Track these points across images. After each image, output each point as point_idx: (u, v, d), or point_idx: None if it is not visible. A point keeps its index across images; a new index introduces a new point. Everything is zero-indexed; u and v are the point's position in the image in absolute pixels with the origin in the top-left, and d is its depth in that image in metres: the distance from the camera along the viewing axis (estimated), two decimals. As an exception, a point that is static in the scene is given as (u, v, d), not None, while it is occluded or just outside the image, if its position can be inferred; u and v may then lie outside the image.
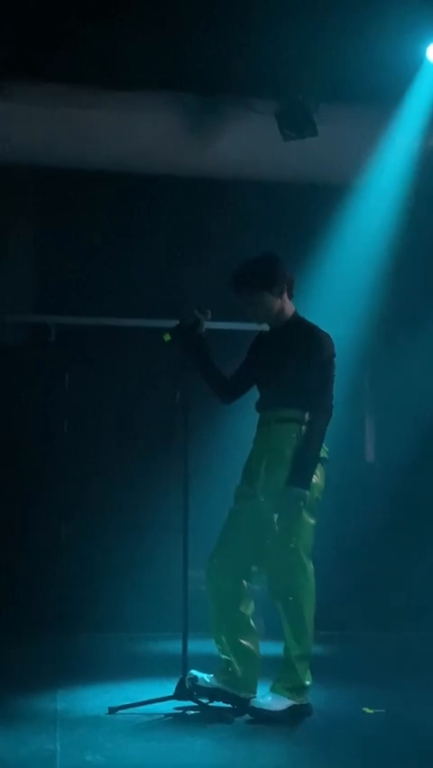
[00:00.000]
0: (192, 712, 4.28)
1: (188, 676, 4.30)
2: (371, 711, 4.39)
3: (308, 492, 4.26)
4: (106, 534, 6.50)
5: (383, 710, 4.40)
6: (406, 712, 4.46)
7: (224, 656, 4.39)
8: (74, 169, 6.75)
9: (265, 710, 4.22)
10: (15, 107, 6.06)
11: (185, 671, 4.32)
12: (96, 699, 4.50)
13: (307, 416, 4.33)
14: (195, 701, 4.29)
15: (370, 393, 7.20)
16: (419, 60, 5.84)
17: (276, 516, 4.32)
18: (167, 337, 4.46)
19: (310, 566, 4.35)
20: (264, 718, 4.19)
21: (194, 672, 4.34)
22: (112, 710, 4.26)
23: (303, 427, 4.33)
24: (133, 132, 6.45)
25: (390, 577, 6.67)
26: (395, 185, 6.48)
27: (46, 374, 6.76)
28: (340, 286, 6.59)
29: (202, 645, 4.44)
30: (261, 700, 4.28)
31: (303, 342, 4.41)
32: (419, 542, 6.76)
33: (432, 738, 4.06)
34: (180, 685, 4.29)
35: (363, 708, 4.42)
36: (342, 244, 6.65)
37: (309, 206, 6.77)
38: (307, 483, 4.27)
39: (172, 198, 6.94)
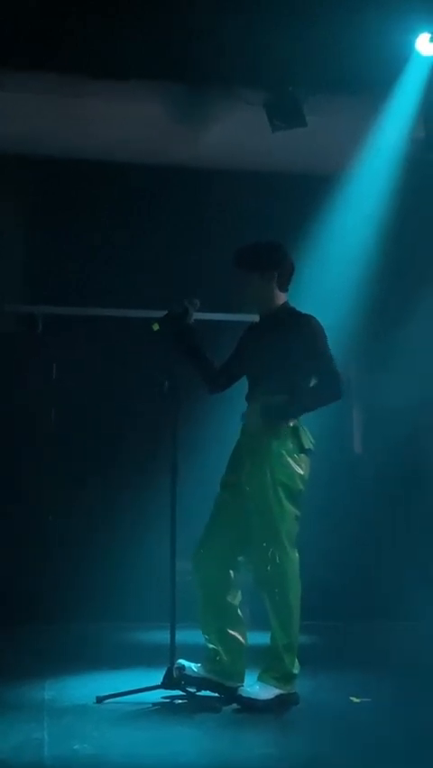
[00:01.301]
0: (180, 701, 4.29)
1: (175, 665, 4.31)
2: (357, 700, 4.41)
3: (261, 420, 4.28)
4: (94, 524, 6.49)
5: (370, 699, 4.42)
6: (392, 701, 4.48)
7: (211, 646, 4.40)
8: (64, 159, 6.74)
9: (252, 699, 4.24)
10: (5, 96, 6.04)
11: (172, 660, 4.32)
12: (83, 688, 4.50)
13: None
14: (182, 690, 4.30)
15: (358, 384, 7.20)
16: (409, 51, 5.83)
17: (259, 507, 4.32)
18: (155, 326, 4.46)
19: (295, 555, 4.36)
20: (251, 707, 4.20)
21: (181, 661, 4.35)
22: (100, 699, 4.26)
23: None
24: (123, 121, 6.43)
25: (377, 567, 6.69)
26: (384, 175, 6.48)
27: (34, 365, 6.74)
28: (328, 276, 6.59)
29: (190, 635, 4.44)
30: (248, 689, 4.29)
31: (295, 330, 4.42)
32: (406, 532, 6.78)
33: (418, 727, 4.08)
34: (168, 674, 4.30)
35: (350, 697, 4.43)
36: (331, 235, 6.65)
37: (299, 197, 6.77)
38: (271, 416, 4.29)
39: (162, 188, 6.93)
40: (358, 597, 6.56)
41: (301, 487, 4.38)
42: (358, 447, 7.23)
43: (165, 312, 4.55)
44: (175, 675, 4.29)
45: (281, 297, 4.53)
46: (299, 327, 4.41)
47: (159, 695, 4.30)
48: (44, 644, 5.57)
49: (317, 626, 6.10)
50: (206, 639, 4.43)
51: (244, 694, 4.27)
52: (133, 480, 6.46)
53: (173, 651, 4.33)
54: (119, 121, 6.43)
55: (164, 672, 4.31)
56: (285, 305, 4.54)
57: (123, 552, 6.35)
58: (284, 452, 4.35)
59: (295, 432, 4.38)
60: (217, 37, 5.71)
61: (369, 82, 5.87)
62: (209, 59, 5.87)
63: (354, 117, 6.23)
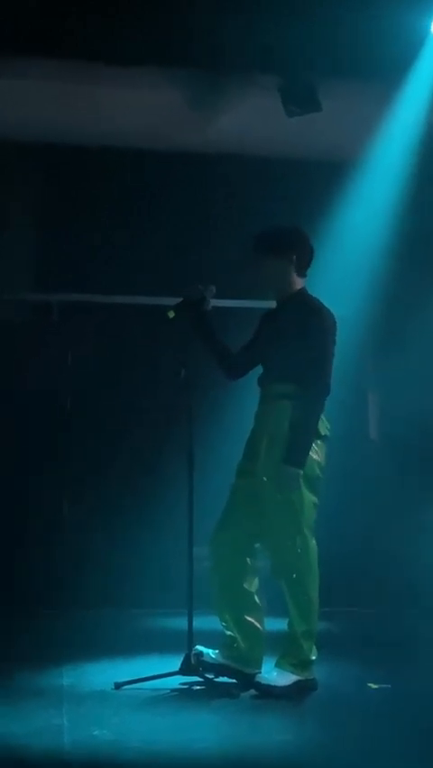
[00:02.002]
0: (198, 687, 4.30)
1: (193, 651, 4.32)
2: (376, 686, 4.41)
3: (301, 471, 4.26)
4: (111, 511, 6.51)
5: (389, 686, 4.42)
6: (411, 687, 4.48)
7: (228, 632, 4.41)
8: (76, 146, 6.74)
9: (270, 686, 4.25)
10: (16, 83, 6.03)
11: (190, 646, 4.33)
12: (102, 674, 4.52)
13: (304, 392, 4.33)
14: (200, 677, 4.31)
15: (373, 370, 7.19)
16: (424, 35, 5.78)
17: (276, 495, 4.32)
18: (171, 314, 4.45)
19: (313, 543, 4.36)
20: (269, 694, 4.22)
21: (199, 647, 4.36)
22: (118, 685, 4.28)
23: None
24: (135, 108, 6.42)
25: (393, 553, 6.68)
26: (400, 161, 6.44)
27: (49, 352, 6.75)
28: (344, 263, 6.56)
29: (207, 621, 4.45)
30: (266, 676, 4.30)
31: (303, 317, 4.40)
32: (422, 518, 6.77)
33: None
34: (186, 660, 4.31)
35: (369, 684, 4.44)
36: (346, 221, 6.62)
37: (313, 183, 6.75)
38: (300, 462, 4.26)
39: (175, 175, 6.92)
40: (376, 582, 6.56)
41: (319, 473, 4.38)
42: (373, 433, 7.22)
43: (180, 299, 4.54)
44: (193, 661, 4.30)
45: (299, 282, 4.51)
46: (310, 319, 4.39)
47: (177, 681, 4.32)
48: (62, 630, 5.60)
49: (334, 612, 6.11)
50: (223, 626, 4.44)
51: (262, 681, 4.28)
52: (149, 467, 6.47)
53: (191, 637, 4.33)
54: (132, 107, 6.41)
55: (182, 659, 4.32)
56: (302, 291, 4.52)
57: (140, 538, 6.37)
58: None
59: None
60: (231, 21, 5.68)
61: (384, 66, 5.83)
62: (222, 44, 5.84)
63: (368, 102, 6.19)
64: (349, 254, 6.60)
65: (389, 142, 6.38)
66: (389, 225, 6.66)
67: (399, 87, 6.06)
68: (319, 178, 6.74)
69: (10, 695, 4.17)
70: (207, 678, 4.32)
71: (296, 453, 4.27)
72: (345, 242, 6.60)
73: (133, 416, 6.75)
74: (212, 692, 4.24)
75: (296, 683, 4.27)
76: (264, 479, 4.36)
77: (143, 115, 6.49)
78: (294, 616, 4.31)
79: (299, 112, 6.11)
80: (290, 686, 4.25)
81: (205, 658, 4.36)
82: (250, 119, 6.45)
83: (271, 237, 4.48)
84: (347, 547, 6.49)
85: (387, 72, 5.93)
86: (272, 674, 4.30)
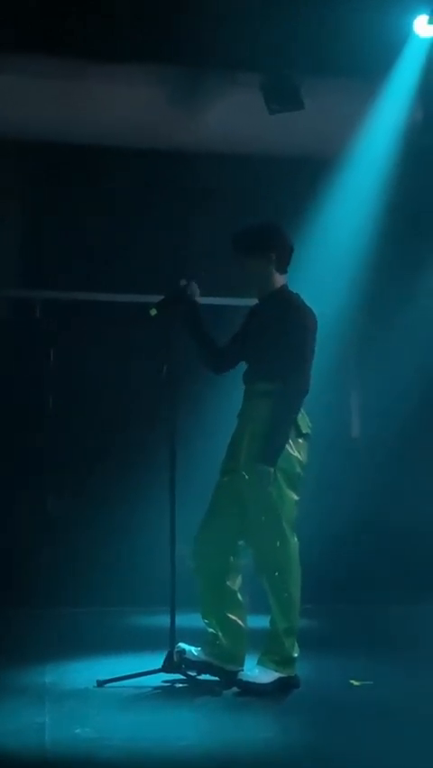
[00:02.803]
0: (180, 685, 4.30)
1: (176, 649, 4.32)
2: (358, 683, 4.42)
3: (272, 469, 4.24)
4: (93, 508, 6.50)
5: (370, 682, 4.43)
6: (393, 684, 4.49)
7: (211, 630, 4.41)
8: (59, 143, 6.71)
9: (252, 683, 4.24)
10: (2, 79, 6.01)
11: (173, 644, 4.33)
12: (84, 672, 4.50)
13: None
14: (183, 674, 4.31)
15: (355, 368, 7.20)
16: (406, 33, 5.81)
17: (255, 492, 4.31)
18: (153, 311, 4.44)
19: (294, 540, 4.35)
20: (251, 691, 4.21)
21: (182, 644, 4.36)
22: (100, 683, 4.27)
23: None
24: (118, 104, 6.41)
25: (376, 550, 6.70)
26: (382, 158, 6.46)
27: (31, 350, 6.73)
28: (326, 261, 6.57)
29: (190, 619, 4.45)
30: (248, 673, 4.30)
31: (283, 314, 4.40)
32: (404, 516, 6.79)
33: (419, 710, 4.09)
34: (168, 658, 4.30)
35: (351, 681, 4.45)
36: (328, 218, 6.63)
37: (296, 180, 6.75)
38: (272, 460, 4.25)
39: (158, 172, 6.90)
40: (358, 579, 6.58)
41: (299, 471, 4.38)
42: (356, 431, 7.24)
43: (162, 296, 4.54)
44: (175, 659, 4.29)
45: (280, 280, 4.50)
46: (289, 316, 4.38)
47: (159, 679, 4.31)
48: (44, 628, 5.57)
49: (316, 610, 6.11)
50: (206, 623, 4.43)
51: (243, 678, 4.28)
52: (132, 466, 6.46)
53: (173, 635, 4.33)
54: (116, 104, 6.40)
55: (164, 656, 4.32)
56: (283, 288, 4.51)
57: (123, 536, 6.36)
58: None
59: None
60: (214, 20, 5.68)
61: (367, 64, 5.86)
62: (206, 42, 5.84)
63: (351, 100, 6.21)
64: (332, 252, 6.61)
65: (372, 140, 6.40)
66: (372, 223, 6.67)
67: (381, 85, 6.08)
68: (303, 176, 6.74)
69: (-9, 693, 4.16)
70: (190, 675, 4.32)
71: (268, 451, 4.26)
72: (329, 239, 6.61)
73: (115, 413, 6.74)
74: (194, 690, 4.24)
75: (278, 680, 4.27)
76: (246, 475, 4.36)
77: (127, 113, 6.48)
78: (276, 613, 4.32)
79: (281, 109, 6.12)
80: (272, 683, 4.25)
81: (187, 656, 4.36)
82: (233, 117, 6.45)
83: (249, 236, 4.46)
84: (331, 543, 6.50)
85: (370, 70, 5.96)
86: (254, 671, 4.30)
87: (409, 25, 5.78)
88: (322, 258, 6.56)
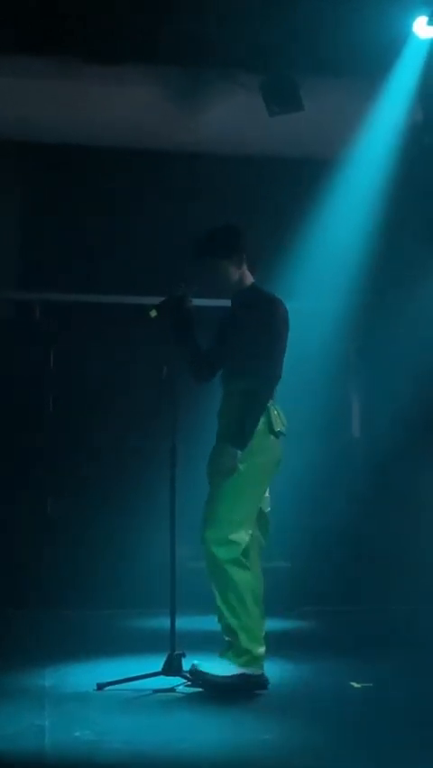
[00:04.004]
0: (180, 688, 4.29)
1: (176, 652, 4.28)
2: (358, 685, 4.41)
3: (239, 452, 4.19)
4: (94, 510, 6.50)
5: (371, 684, 4.42)
6: (393, 686, 4.48)
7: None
8: (61, 144, 6.72)
9: (207, 674, 4.17)
10: (2, 81, 6.01)
11: (173, 647, 4.32)
12: (84, 675, 4.50)
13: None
14: (183, 677, 4.29)
15: (356, 368, 7.20)
16: (406, 34, 5.80)
17: (213, 490, 4.27)
18: (153, 313, 4.44)
19: (243, 536, 4.24)
20: (206, 681, 4.15)
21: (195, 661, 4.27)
22: (100, 686, 4.26)
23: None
24: (117, 105, 6.41)
25: (375, 551, 6.70)
26: (382, 158, 6.46)
27: (31, 351, 6.73)
28: (327, 260, 6.58)
29: (190, 622, 4.44)
30: (206, 664, 4.23)
31: (253, 310, 4.39)
32: (404, 516, 6.79)
33: (419, 712, 4.08)
34: (168, 661, 4.29)
35: (351, 683, 4.44)
36: (329, 218, 6.63)
37: (296, 180, 6.75)
38: (239, 443, 4.20)
39: (157, 173, 6.91)
40: (358, 580, 6.57)
41: (263, 470, 4.30)
42: (356, 430, 7.23)
43: (162, 298, 4.53)
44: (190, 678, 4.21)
45: (249, 278, 4.49)
46: (260, 308, 4.37)
47: (159, 682, 4.30)
48: (44, 630, 5.57)
49: (316, 612, 6.12)
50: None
51: (200, 668, 4.21)
52: (132, 467, 6.46)
53: (173, 638, 4.32)
54: (116, 105, 6.40)
55: (164, 659, 4.31)
56: (253, 285, 4.49)
57: (123, 538, 6.36)
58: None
59: (266, 413, 4.30)
60: (214, 21, 5.68)
61: (367, 65, 5.86)
62: (206, 43, 5.84)
63: (351, 100, 6.21)
64: (332, 252, 6.61)
65: (371, 140, 6.39)
66: (372, 223, 6.67)
67: (381, 86, 6.07)
68: (302, 176, 6.74)
69: (-9, 696, 4.16)
70: (191, 678, 4.29)
71: (236, 434, 4.22)
72: (329, 239, 6.61)
73: (115, 414, 6.74)
74: (194, 692, 4.22)
75: (240, 676, 4.18)
76: (209, 471, 4.31)
77: (126, 113, 6.48)
78: (223, 608, 4.21)
79: (281, 111, 6.11)
80: (231, 677, 4.16)
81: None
82: (233, 117, 6.45)
83: (218, 242, 4.44)
84: (330, 544, 6.50)
85: (370, 71, 5.96)
86: (213, 663, 4.22)
87: (409, 26, 5.78)
88: (323, 258, 6.56)
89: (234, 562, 4.23)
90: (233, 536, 4.23)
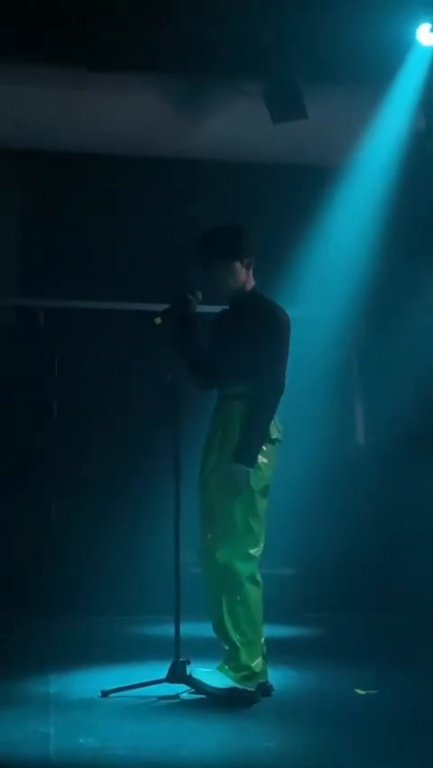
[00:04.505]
0: (184, 695, 4.28)
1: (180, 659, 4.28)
2: (363, 692, 4.41)
3: (251, 469, 4.17)
4: (98, 516, 6.50)
5: (376, 691, 4.42)
6: (399, 693, 4.48)
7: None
8: (64, 152, 6.73)
9: (201, 682, 4.16)
10: (1, 88, 6.02)
11: (177, 654, 4.32)
12: (88, 682, 4.50)
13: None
14: (187, 684, 4.28)
15: (360, 375, 7.20)
16: (410, 41, 5.81)
17: (221, 495, 4.25)
18: (158, 320, 4.44)
19: (253, 551, 4.24)
20: (198, 689, 4.15)
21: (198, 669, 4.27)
22: (105, 693, 4.26)
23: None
24: (119, 113, 6.42)
25: (380, 558, 6.69)
26: (384, 166, 6.46)
27: (35, 358, 6.74)
28: (329, 267, 6.58)
29: (194, 628, 4.44)
30: (201, 670, 4.22)
31: (256, 316, 4.34)
32: (408, 523, 6.78)
33: (425, 719, 4.08)
34: (173, 668, 4.29)
35: (356, 690, 4.43)
36: (331, 226, 6.64)
37: (299, 188, 6.76)
38: (250, 460, 4.18)
39: (160, 180, 6.92)
40: (363, 587, 6.56)
41: (269, 478, 4.29)
42: (360, 437, 7.23)
43: (167, 305, 4.53)
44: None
45: (251, 282, 4.44)
46: (263, 317, 4.32)
47: (164, 689, 4.30)
48: (48, 637, 5.57)
49: (320, 618, 6.11)
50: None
51: (194, 674, 4.20)
52: (135, 473, 6.46)
53: (178, 644, 4.32)
54: (118, 113, 6.41)
55: (169, 666, 4.31)
56: (254, 289, 4.44)
57: (127, 545, 6.35)
58: None
59: None
60: (217, 28, 5.69)
61: (370, 73, 5.86)
62: (207, 50, 5.85)
63: (354, 108, 6.21)
64: (335, 259, 6.62)
65: (374, 148, 6.40)
66: (375, 230, 6.68)
67: (384, 94, 6.08)
68: (305, 184, 6.75)
69: (-4, 703, 4.16)
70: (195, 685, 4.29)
71: (246, 451, 4.19)
72: (332, 246, 6.62)
73: (120, 421, 6.75)
74: (198, 699, 4.22)
75: (231, 690, 4.16)
76: (217, 479, 4.27)
77: (128, 121, 6.50)
78: (227, 623, 4.21)
79: (284, 118, 6.12)
80: (223, 689, 4.15)
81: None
82: (235, 124, 6.47)
83: (228, 242, 4.36)
84: (335, 550, 6.50)
85: (373, 78, 5.96)
86: (208, 671, 4.22)
87: (413, 34, 5.78)
88: (326, 265, 6.57)
89: (251, 579, 4.23)
90: (252, 551, 4.24)
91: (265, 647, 4.32)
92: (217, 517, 4.27)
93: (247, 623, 4.21)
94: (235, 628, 4.21)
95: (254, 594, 4.23)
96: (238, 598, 4.21)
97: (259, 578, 4.26)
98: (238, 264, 4.37)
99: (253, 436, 4.21)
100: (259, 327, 4.31)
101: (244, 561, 4.21)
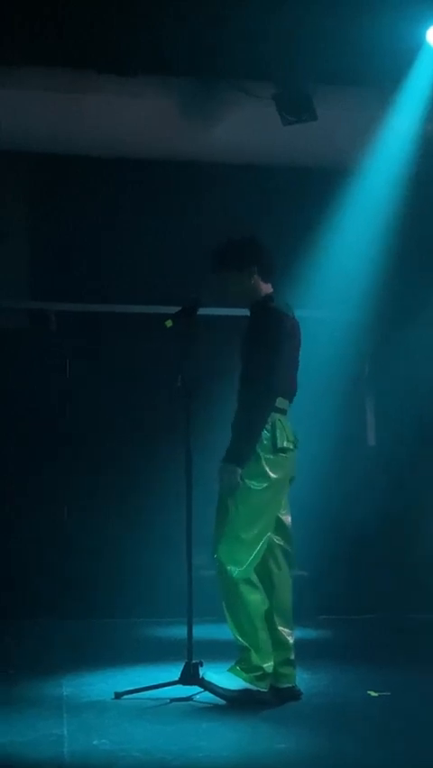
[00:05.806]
0: (198, 697, 4.29)
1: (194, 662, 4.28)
2: (376, 694, 4.40)
3: (240, 469, 4.19)
4: (111, 519, 6.52)
5: (389, 693, 4.41)
6: (412, 695, 4.47)
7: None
8: (70, 155, 6.76)
9: (213, 684, 4.17)
10: (11, 93, 6.04)
11: (190, 656, 4.32)
12: (102, 684, 4.51)
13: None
14: (200, 686, 4.29)
15: (371, 376, 7.20)
16: (419, 43, 5.81)
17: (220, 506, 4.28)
18: (169, 323, 4.46)
19: (254, 553, 4.23)
20: (211, 692, 4.16)
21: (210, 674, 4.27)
22: (118, 695, 4.27)
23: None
24: (129, 116, 6.44)
25: (393, 559, 6.69)
26: (395, 169, 6.47)
27: (47, 362, 6.76)
28: (340, 270, 6.59)
29: (207, 630, 4.45)
30: (213, 675, 4.23)
31: (251, 324, 4.41)
32: (421, 524, 6.78)
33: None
34: (186, 670, 4.30)
35: (369, 692, 4.43)
36: (342, 229, 6.64)
37: (309, 191, 6.77)
38: (237, 459, 4.20)
39: (170, 183, 6.94)
40: (373, 590, 6.56)
41: (275, 489, 4.29)
42: (371, 439, 7.23)
43: (178, 308, 4.55)
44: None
45: (265, 288, 4.48)
46: (254, 321, 4.39)
47: (177, 691, 4.31)
48: (62, 640, 5.59)
49: (333, 620, 6.11)
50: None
51: (206, 677, 4.22)
52: (147, 476, 6.48)
53: (191, 646, 4.33)
54: (127, 116, 6.43)
55: (182, 668, 4.31)
56: (268, 296, 4.47)
57: (139, 548, 6.37)
58: (259, 450, 4.26)
59: (271, 429, 4.28)
60: (225, 30, 5.70)
61: (379, 74, 5.86)
62: (217, 53, 5.86)
63: (364, 110, 6.21)
64: (346, 261, 6.62)
65: (384, 150, 6.40)
66: (386, 233, 6.68)
67: (394, 95, 6.08)
68: (315, 186, 6.76)
69: (10, 705, 4.17)
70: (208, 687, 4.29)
71: (232, 450, 4.23)
72: (343, 249, 6.62)
73: (131, 424, 6.76)
74: (211, 701, 4.23)
75: (244, 691, 4.18)
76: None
77: (138, 124, 6.52)
78: (233, 629, 4.23)
79: (294, 120, 6.12)
80: (236, 692, 4.17)
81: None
82: (245, 127, 6.48)
83: (228, 254, 4.46)
84: (346, 553, 6.50)
85: (382, 80, 5.96)
86: (221, 675, 4.23)
87: (422, 36, 5.78)
88: (336, 267, 6.57)
89: (247, 582, 4.24)
90: (246, 556, 4.23)
91: (293, 652, 4.33)
92: (219, 519, 4.31)
93: (250, 628, 4.23)
94: (239, 630, 4.24)
95: (252, 598, 4.23)
96: (236, 600, 4.23)
97: (255, 580, 4.26)
98: (240, 274, 4.43)
99: (238, 434, 4.25)
100: (249, 334, 4.38)
101: (237, 564, 4.23)
